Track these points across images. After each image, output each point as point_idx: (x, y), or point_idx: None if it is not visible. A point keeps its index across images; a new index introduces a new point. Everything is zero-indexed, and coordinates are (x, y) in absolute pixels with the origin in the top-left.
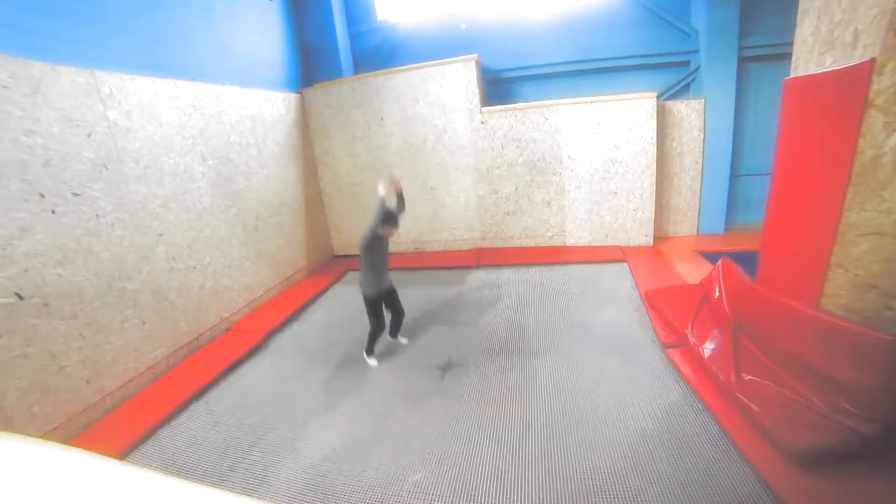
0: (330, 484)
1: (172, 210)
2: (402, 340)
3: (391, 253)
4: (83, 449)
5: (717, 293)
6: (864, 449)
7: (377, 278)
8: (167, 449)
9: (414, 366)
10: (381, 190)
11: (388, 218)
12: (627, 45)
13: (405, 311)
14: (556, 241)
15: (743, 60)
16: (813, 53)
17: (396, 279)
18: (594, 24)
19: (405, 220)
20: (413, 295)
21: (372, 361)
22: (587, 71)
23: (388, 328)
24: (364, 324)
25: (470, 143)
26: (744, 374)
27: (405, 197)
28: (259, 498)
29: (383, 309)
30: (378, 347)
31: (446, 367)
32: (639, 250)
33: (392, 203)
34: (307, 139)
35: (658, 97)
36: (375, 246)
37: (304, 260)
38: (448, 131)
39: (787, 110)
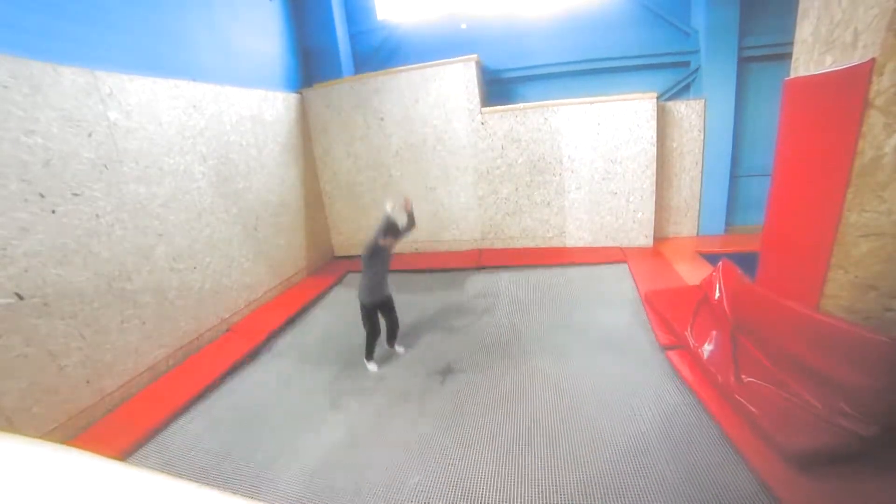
0: (329, 486)
1: (172, 210)
2: (399, 349)
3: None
4: (83, 449)
5: (717, 294)
6: (863, 450)
7: (376, 287)
8: (168, 451)
9: (414, 367)
10: (388, 207)
11: (390, 229)
12: (627, 46)
13: (399, 320)
14: (556, 242)
15: (743, 60)
16: (813, 54)
17: (397, 281)
18: (594, 24)
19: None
20: (413, 296)
21: (372, 366)
22: (587, 71)
23: (384, 336)
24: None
25: (470, 143)
26: (743, 376)
27: (414, 216)
28: (259, 500)
29: (378, 317)
30: (378, 353)
31: (446, 370)
32: (639, 251)
33: (401, 220)
34: (307, 139)
35: (658, 97)
36: (376, 256)
37: (304, 260)
38: (448, 131)
39: (787, 111)
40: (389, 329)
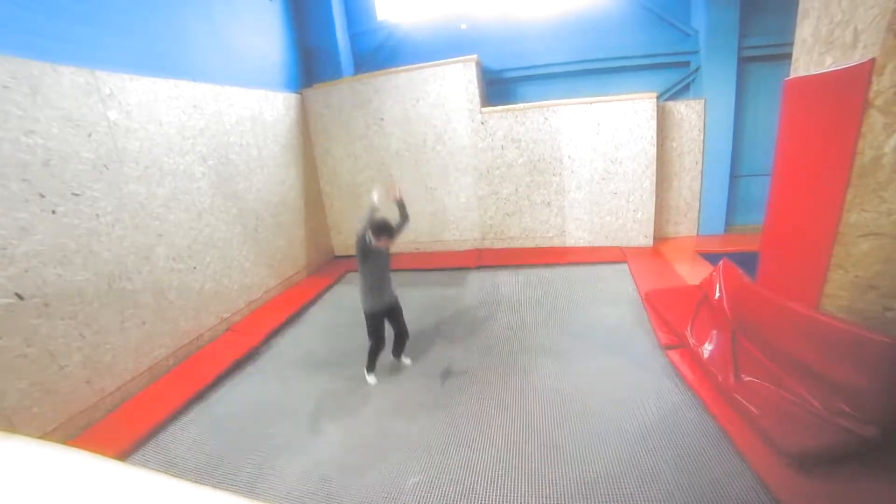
0: (329, 488)
1: (172, 210)
2: (406, 361)
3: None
4: (83, 449)
5: (717, 294)
6: (862, 451)
7: (376, 292)
8: (168, 452)
9: (414, 370)
10: (374, 197)
11: (383, 228)
12: (627, 46)
13: (407, 328)
14: (556, 242)
15: (743, 61)
16: (813, 54)
17: (396, 280)
18: (594, 25)
19: None
20: (413, 297)
21: (371, 379)
22: (587, 71)
23: (391, 346)
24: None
25: (470, 143)
26: (743, 376)
27: (406, 206)
28: (257, 501)
29: (384, 325)
30: (378, 362)
31: (446, 373)
32: (639, 251)
33: (392, 214)
34: (307, 139)
35: (658, 98)
36: (371, 256)
37: (303, 260)
38: (448, 131)
39: (787, 111)
40: (397, 339)
